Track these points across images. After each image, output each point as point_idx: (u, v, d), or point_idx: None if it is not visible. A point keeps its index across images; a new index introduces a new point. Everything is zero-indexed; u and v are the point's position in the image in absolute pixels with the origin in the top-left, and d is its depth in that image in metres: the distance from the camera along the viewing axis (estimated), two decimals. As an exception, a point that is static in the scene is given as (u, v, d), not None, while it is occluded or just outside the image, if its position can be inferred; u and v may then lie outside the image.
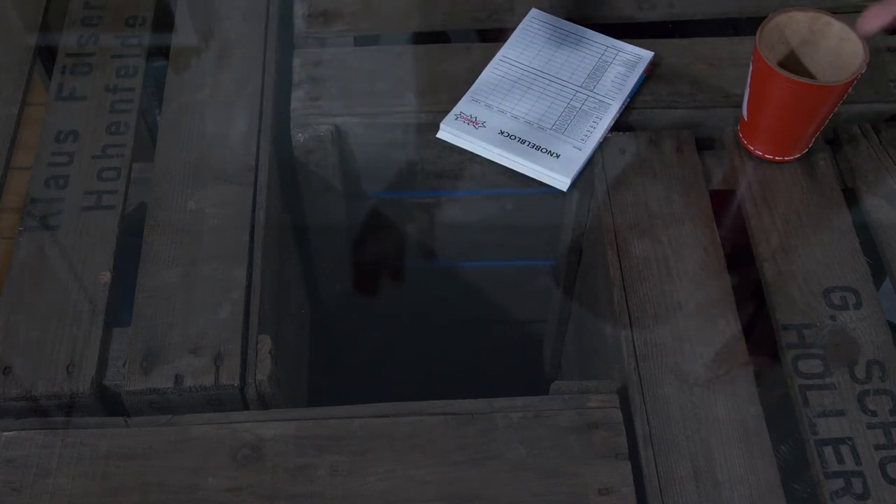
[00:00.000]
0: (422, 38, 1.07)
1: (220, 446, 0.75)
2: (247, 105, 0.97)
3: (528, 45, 1.03)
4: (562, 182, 0.93)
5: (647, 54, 1.01)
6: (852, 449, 0.74)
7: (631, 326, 0.82)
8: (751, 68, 0.88)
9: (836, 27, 0.88)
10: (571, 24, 1.05)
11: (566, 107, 0.97)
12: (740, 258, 0.88)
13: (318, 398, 1.11)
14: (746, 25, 1.06)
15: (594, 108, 0.97)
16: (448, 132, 0.96)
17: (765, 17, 0.88)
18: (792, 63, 0.90)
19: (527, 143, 0.94)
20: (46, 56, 1.05)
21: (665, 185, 0.91)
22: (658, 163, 0.93)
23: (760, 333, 0.84)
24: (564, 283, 1.11)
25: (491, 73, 1.00)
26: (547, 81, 1.00)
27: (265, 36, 1.03)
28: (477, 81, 0.99)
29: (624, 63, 1.00)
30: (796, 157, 0.93)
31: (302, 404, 1.00)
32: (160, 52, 1.03)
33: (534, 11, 1.06)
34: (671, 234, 0.88)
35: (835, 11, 0.99)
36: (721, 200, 0.92)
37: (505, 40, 1.03)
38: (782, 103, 0.87)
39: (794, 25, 0.89)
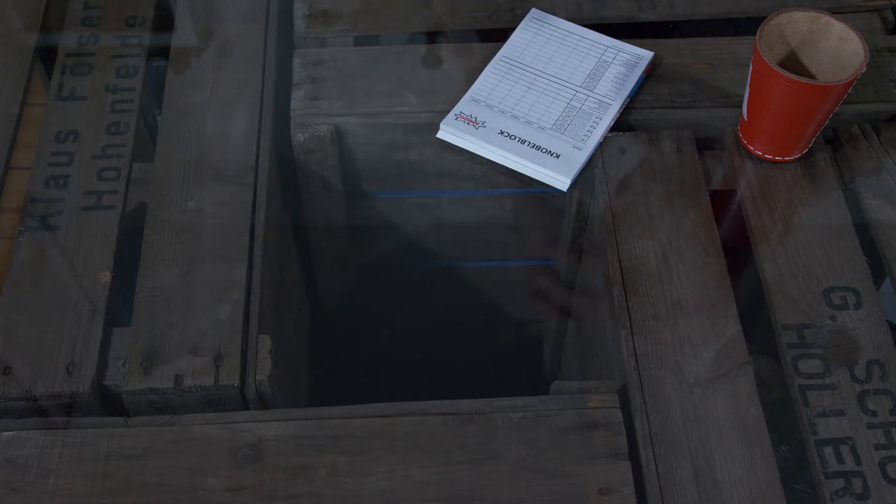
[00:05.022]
0: (422, 38, 1.07)
1: (220, 446, 0.75)
2: (247, 105, 0.97)
3: (528, 45, 1.03)
4: (562, 182, 0.93)
5: (647, 54, 1.01)
6: (852, 449, 0.74)
7: (631, 326, 0.82)
8: (751, 68, 0.88)
9: (836, 27, 0.88)
10: (571, 24, 1.05)
11: (566, 107, 0.97)
12: (740, 258, 0.88)
13: (318, 398, 1.11)
14: (746, 25, 1.06)
15: (594, 108, 0.97)
16: (448, 132, 0.96)
17: (765, 17, 0.88)
18: (792, 63, 0.90)
19: (527, 142, 0.94)
20: (46, 56, 1.05)
21: (665, 185, 0.91)
22: (658, 163, 0.93)
23: (760, 333, 0.84)
24: (564, 283, 1.11)
25: (491, 73, 1.00)
26: (547, 81, 1.00)
27: (265, 36, 1.03)
28: (477, 81, 0.99)
29: (624, 63, 1.00)
30: (796, 157, 0.93)
31: (302, 404, 1.00)
32: (160, 52, 1.03)
33: (534, 11, 1.06)
34: (671, 234, 0.88)
35: (835, 11, 0.99)
36: (721, 200, 0.92)
37: (505, 40, 1.03)
38: (782, 103, 0.87)
39: (794, 25, 0.89)
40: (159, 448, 0.75)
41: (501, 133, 0.95)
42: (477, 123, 0.96)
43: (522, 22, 1.05)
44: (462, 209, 1.13)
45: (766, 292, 0.84)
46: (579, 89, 0.99)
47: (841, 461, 0.74)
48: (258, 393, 0.79)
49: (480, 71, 1.00)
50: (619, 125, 0.97)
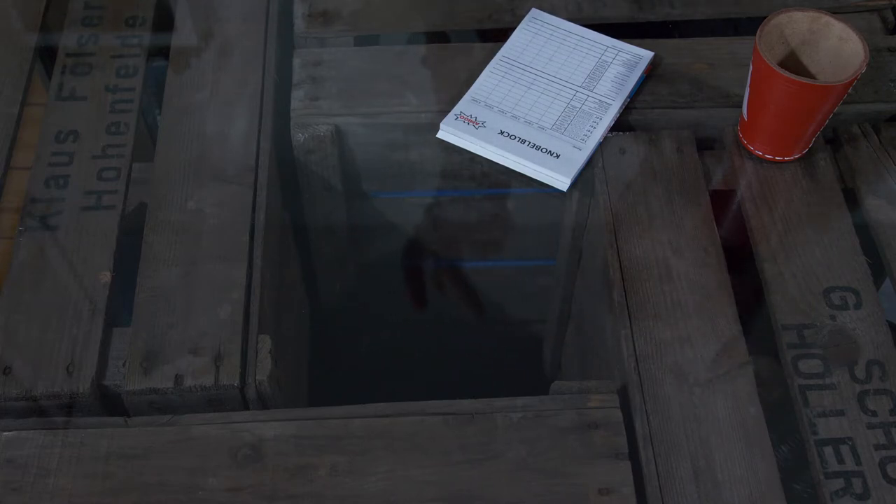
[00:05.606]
0: (422, 38, 1.07)
1: (220, 446, 0.75)
2: (247, 105, 0.97)
3: (528, 45, 1.03)
4: (562, 182, 0.93)
5: (647, 54, 1.01)
6: (852, 449, 0.74)
7: (631, 326, 0.82)
8: (751, 68, 0.88)
9: (836, 27, 0.88)
10: (571, 24, 1.05)
11: (566, 107, 0.97)
12: (740, 258, 0.88)
13: (318, 398, 1.11)
14: (746, 25, 1.06)
15: (594, 108, 0.97)
16: (448, 132, 0.96)
17: (765, 17, 0.88)
18: (792, 63, 0.90)
19: (527, 142, 0.94)
20: (46, 56, 1.05)
21: (665, 185, 0.91)
22: (658, 163, 0.93)
23: (760, 333, 0.84)
24: (564, 283, 1.11)
25: (491, 73, 1.00)
26: (547, 81, 1.00)
27: (265, 36, 1.03)
28: (477, 81, 0.99)
29: (624, 63, 1.00)
30: (796, 157, 0.93)
31: (302, 404, 1.00)
32: (160, 52, 1.03)
33: (534, 11, 1.06)
34: (671, 234, 0.88)
35: (835, 11, 0.99)
36: (721, 200, 0.92)
37: (505, 40, 1.03)
38: (782, 103, 0.87)
39: (794, 25, 0.89)
40: (159, 448, 0.75)
41: (501, 133, 0.95)
42: (477, 123, 0.96)
43: (522, 22, 1.05)
44: (462, 209, 1.13)
45: (766, 292, 0.84)
46: (579, 89, 0.99)
47: (841, 461, 0.74)
48: (258, 393, 0.79)
49: (480, 71, 1.00)
50: (619, 125, 0.97)
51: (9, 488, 0.72)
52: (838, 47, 0.88)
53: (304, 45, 1.05)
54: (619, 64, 1.00)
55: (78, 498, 0.72)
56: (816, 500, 0.74)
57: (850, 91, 0.86)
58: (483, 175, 1.04)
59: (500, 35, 1.05)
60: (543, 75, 1.00)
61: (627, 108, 0.97)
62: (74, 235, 0.87)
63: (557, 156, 0.94)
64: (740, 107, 0.93)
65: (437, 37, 1.08)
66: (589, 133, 0.95)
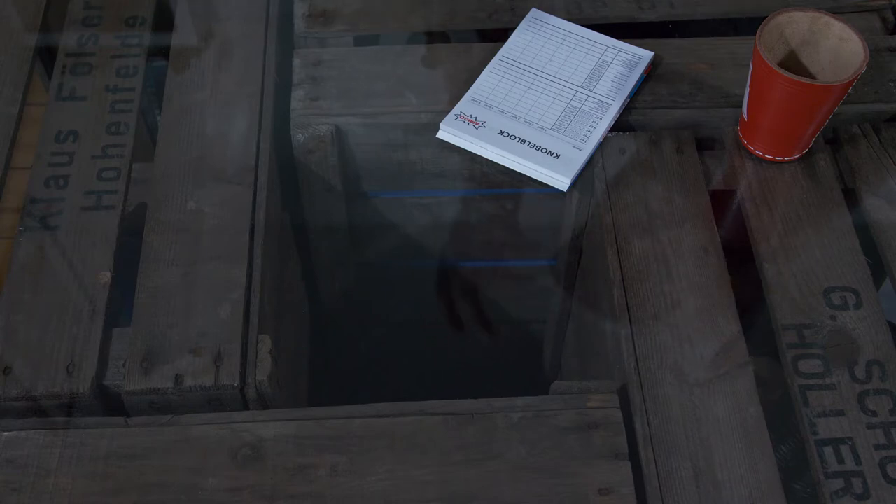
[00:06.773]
0: (422, 38, 1.07)
1: (220, 446, 0.75)
2: (247, 105, 0.97)
3: (528, 45, 1.03)
4: (562, 182, 0.93)
5: (647, 54, 1.01)
6: (852, 449, 0.74)
7: (631, 326, 0.82)
8: (751, 68, 0.88)
9: (836, 27, 0.88)
10: (571, 24, 1.05)
11: (566, 107, 0.97)
12: (740, 258, 0.88)
13: (318, 398, 1.11)
14: (746, 25, 1.06)
15: (594, 108, 0.97)
16: (448, 132, 0.96)
17: (765, 17, 0.88)
18: (792, 63, 0.90)
19: (527, 142, 0.95)
20: (46, 56, 1.05)
21: (665, 185, 0.91)
22: (658, 163, 0.93)
23: (760, 333, 0.84)
24: (564, 283, 1.11)
25: (491, 73, 1.00)
26: (547, 81, 1.00)
27: (265, 36, 1.03)
28: (477, 81, 0.99)
29: (624, 63, 1.00)
30: (796, 157, 0.93)
31: (302, 404, 1.00)
32: (160, 52, 1.03)
33: (534, 11, 1.06)
34: (671, 234, 0.88)
35: (835, 11, 0.99)
36: (721, 200, 0.92)
37: (505, 40, 1.03)
38: (782, 103, 0.87)
39: (794, 25, 0.89)
40: (159, 448, 0.75)
41: (501, 133, 0.95)
42: (477, 123, 0.96)
43: (522, 22, 1.05)
44: (462, 209, 1.13)
45: (766, 292, 0.84)
46: (579, 89, 0.99)
47: (841, 461, 0.74)
48: (258, 393, 0.79)
49: (480, 71, 1.00)
50: (619, 125, 0.97)
51: (9, 488, 0.72)
52: (838, 47, 0.88)
53: (304, 45, 1.05)
54: (619, 64, 1.00)
55: (78, 498, 0.72)
56: (816, 500, 0.74)
57: (850, 91, 0.86)
58: (483, 175, 1.04)
59: (500, 35, 1.05)
60: (543, 75, 1.00)
61: (627, 108, 0.97)
62: (74, 235, 0.87)
63: (557, 156, 0.94)
64: (740, 107, 0.93)
65: (437, 37, 1.08)
66: (589, 133, 0.95)
